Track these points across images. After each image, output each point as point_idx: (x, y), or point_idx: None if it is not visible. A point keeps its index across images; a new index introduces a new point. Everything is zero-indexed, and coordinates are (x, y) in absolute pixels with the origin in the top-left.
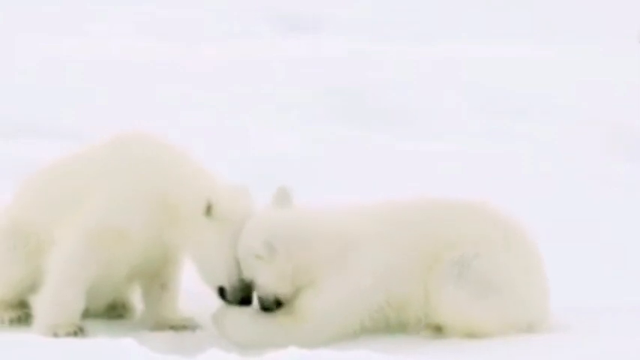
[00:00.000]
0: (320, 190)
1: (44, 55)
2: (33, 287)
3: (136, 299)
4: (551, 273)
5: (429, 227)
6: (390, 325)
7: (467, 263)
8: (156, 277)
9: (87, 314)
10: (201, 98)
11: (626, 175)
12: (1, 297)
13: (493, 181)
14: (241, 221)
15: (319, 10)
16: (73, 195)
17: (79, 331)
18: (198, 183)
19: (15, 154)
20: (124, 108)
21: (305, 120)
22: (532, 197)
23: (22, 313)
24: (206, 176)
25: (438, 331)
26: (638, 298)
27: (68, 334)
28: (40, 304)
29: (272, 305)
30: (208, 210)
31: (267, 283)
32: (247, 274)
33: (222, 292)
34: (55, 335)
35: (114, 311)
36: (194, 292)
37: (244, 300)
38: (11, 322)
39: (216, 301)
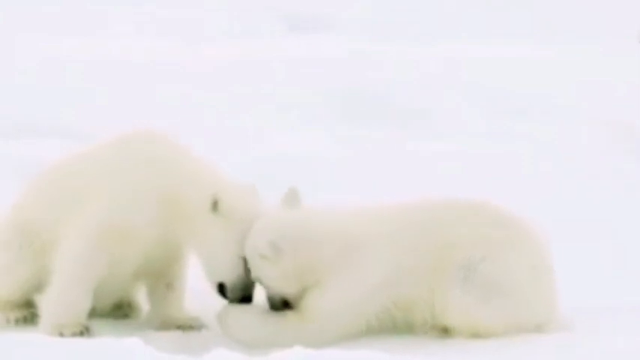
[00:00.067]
0: (320, 190)
1: (44, 55)
2: (39, 287)
3: (142, 299)
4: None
5: (435, 228)
6: (397, 325)
7: (473, 267)
8: (161, 276)
9: (93, 314)
10: (201, 98)
11: (626, 175)
12: (7, 297)
13: (493, 181)
14: (247, 218)
15: (319, 10)
16: (78, 194)
17: (84, 331)
18: (205, 180)
19: (15, 154)
20: (124, 108)
21: (305, 120)
22: (532, 197)
23: (27, 313)
24: (212, 173)
25: (444, 332)
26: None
27: (74, 334)
28: (46, 304)
29: (279, 305)
30: (214, 206)
31: (273, 283)
32: (254, 274)
33: (221, 288)
34: (61, 335)
35: (120, 311)
36: (200, 291)
37: (244, 298)
38: (17, 321)
39: (222, 301)
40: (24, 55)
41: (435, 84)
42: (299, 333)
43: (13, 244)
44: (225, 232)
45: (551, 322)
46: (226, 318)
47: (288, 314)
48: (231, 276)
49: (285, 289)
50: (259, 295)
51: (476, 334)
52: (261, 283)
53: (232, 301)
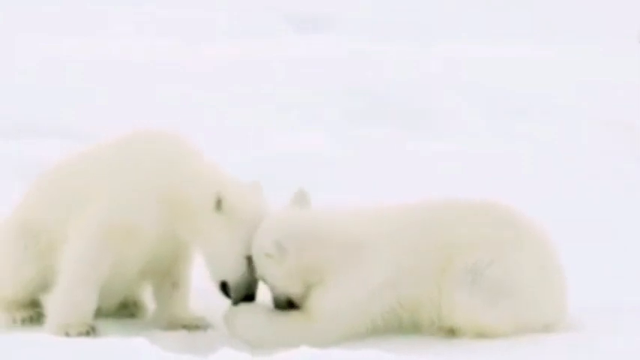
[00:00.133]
0: (320, 190)
1: (44, 55)
2: (44, 286)
3: (148, 298)
4: None
5: (440, 229)
6: (403, 326)
7: (480, 271)
8: (167, 275)
9: (99, 313)
10: (201, 98)
11: (626, 175)
12: (13, 296)
13: (493, 181)
14: (250, 217)
15: (319, 10)
16: (82, 193)
17: (90, 331)
18: (209, 178)
19: (15, 153)
20: (124, 108)
21: (305, 120)
22: (532, 197)
23: (33, 313)
24: (216, 172)
25: (451, 333)
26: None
27: (80, 334)
28: (51, 304)
29: (284, 304)
30: (218, 205)
31: (278, 283)
32: (259, 273)
33: (224, 287)
34: (67, 335)
35: (126, 310)
36: (205, 291)
37: (247, 297)
38: (23, 321)
39: (227, 301)
40: (24, 55)
41: (435, 84)
42: (304, 332)
43: (18, 244)
44: (228, 231)
45: (559, 322)
46: (233, 318)
47: (294, 314)
48: (234, 275)
49: (290, 288)
50: (264, 295)
51: (483, 336)
52: (266, 282)
53: (235, 299)
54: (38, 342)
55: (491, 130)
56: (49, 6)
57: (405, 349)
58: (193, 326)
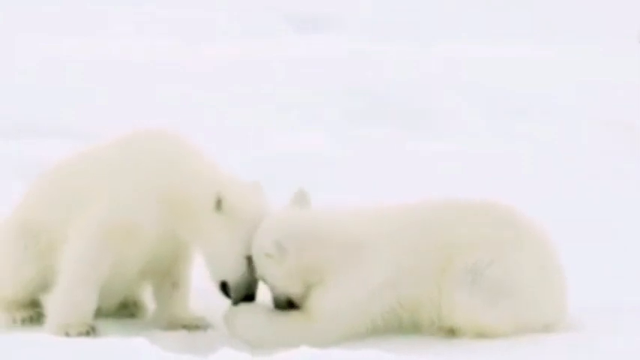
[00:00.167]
0: (320, 190)
1: (44, 55)
2: (44, 286)
3: (148, 298)
4: None
5: (440, 229)
6: (403, 326)
7: (480, 271)
8: (167, 275)
9: (99, 313)
10: (201, 98)
11: (626, 175)
12: (13, 296)
13: (493, 181)
14: (251, 217)
15: (319, 10)
16: (82, 193)
17: (90, 331)
18: (209, 178)
19: (15, 153)
20: (124, 108)
21: (305, 120)
22: (532, 197)
23: (33, 313)
24: (217, 171)
25: (451, 333)
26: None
27: (80, 334)
28: (51, 304)
29: (284, 304)
30: (218, 205)
31: (278, 283)
32: (259, 273)
33: (224, 287)
34: (67, 335)
35: (126, 310)
36: (205, 291)
37: (247, 297)
38: (23, 321)
39: (227, 301)
40: (24, 55)
41: (435, 84)
42: (304, 332)
43: (18, 244)
44: (228, 231)
45: (560, 322)
46: (233, 318)
47: (294, 314)
48: (234, 275)
49: (290, 288)
50: (264, 295)
51: (483, 336)
52: (266, 282)
53: (235, 299)
54: (38, 342)
55: (491, 130)
56: (49, 6)
57: (405, 349)
58: (193, 326)
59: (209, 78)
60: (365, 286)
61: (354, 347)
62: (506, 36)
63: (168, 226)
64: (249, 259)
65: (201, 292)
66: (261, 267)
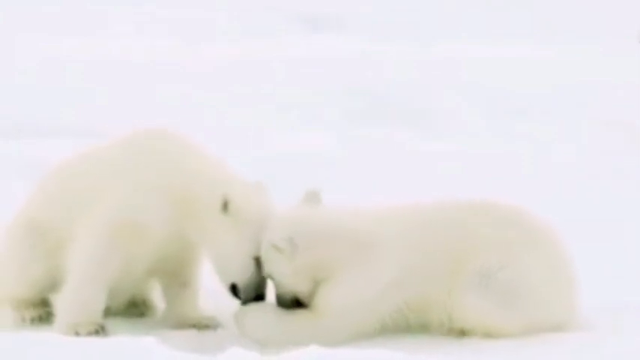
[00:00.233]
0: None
1: (44, 55)
2: (53, 285)
3: (157, 298)
4: None
5: (450, 230)
6: (412, 326)
7: (492, 274)
8: (176, 275)
9: (108, 313)
10: (201, 98)
11: (626, 175)
12: (22, 295)
13: (493, 181)
14: (257, 219)
15: (319, 10)
16: (89, 192)
17: (100, 330)
18: (216, 179)
19: (16, 153)
20: (124, 108)
21: (305, 120)
22: (532, 197)
23: (43, 312)
24: (224, 173)
25: (461, 334)
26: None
27: (89, 333)
28: (61, 303)
29: (289, 303)
30: (225, 207)
31: (285, 280)
32: (267, 270)
33: (234, 289)
34: (77, 334)
35: (135, 310)
36: (214, 290)
37: (257, 297)
38: (32, 320)
39: (236, 300)
40: (24, 55)
41: (435, 84)
42: (313, 330)
43: (25, 243)
44: (235, 233)
45: (570, 322)
46: (242, 317)
47: (302, 312)
48: (242, 277)
49: (297, 285)
50: (273, 294)
51: (493, 337)
52: (272, 279)
53: (245, 301)
54: (47, 341)
55: (491, 130)
56: (49, 6)
57: (414, 348)
58: (203, 325)
59: (209, 78)
60: (373, 285)
61: (362, 347)
62: (506, 36)
63: (175, 226)
64: (257, 260)
65: (210, 292)
66: (270, 264)
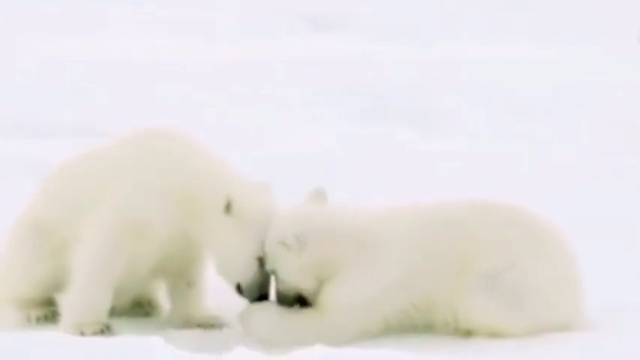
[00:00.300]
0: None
1: (44, 55)
2: (58, 285)
3: (163, 297)
4: None
5: (455, 230)
6: (417, 325)
7: (497, 275)
8: (181, 274)
9: (113, 312)
10: (201, 98)
11: (626, 175)
12: (27, 295)
13: (493, 181)
14: (260, 219)
15: (319, 10)
16: (94, 192)
17: (105, 330)
18: (219, 179)
19: (15, 153)
20: (124, 108)
21: (305, 120)
22: (532, 197)
23: (48, 312)
24: (227, 172)
25: (467, 334)
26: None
27: (95, 333)
28: (66, 303)
29: (290, 300)
30: (228, 207)
31: (289, 277)
32: (271, 267)
33: (239, 288)
34: (82, 334)
35: (140, 309)
36: (220, 289)
37: (261, 297)
38: (38, 320)
39: (242, 299)
40: (24, 55)
41: (435, 84)
42: (317, 329)
43: (30, 242)
44: (238, 234)
45: (576, 323)
46: (248, 316)
47: (307, 311)
48: (246, 277)
49: (302, 283)
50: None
51: (498, 336)
52: (276, 276)
53: (250, 300)
54: (53, 341)
55: (491, 130)
56: (49, 6)
57: (419, 348)
58: (208, 325)
59: (209, 78)
60: (377, 284)
61: (367, 346)
62: (506, 36)
63: (178, 226)
64: (260, 260)
65: (215, 291)
66: (275, 260)
